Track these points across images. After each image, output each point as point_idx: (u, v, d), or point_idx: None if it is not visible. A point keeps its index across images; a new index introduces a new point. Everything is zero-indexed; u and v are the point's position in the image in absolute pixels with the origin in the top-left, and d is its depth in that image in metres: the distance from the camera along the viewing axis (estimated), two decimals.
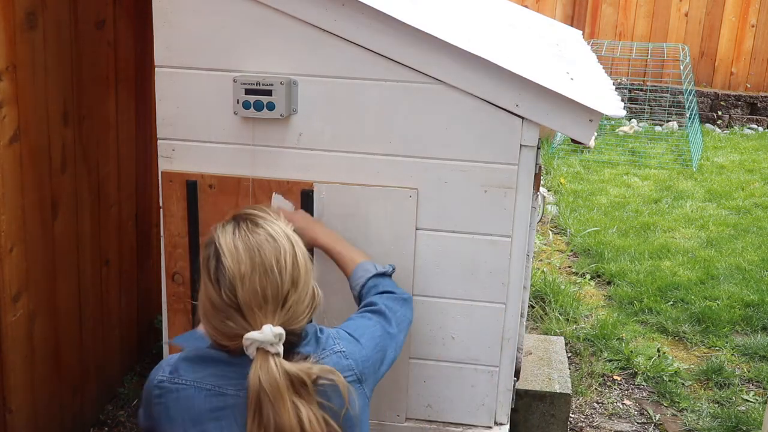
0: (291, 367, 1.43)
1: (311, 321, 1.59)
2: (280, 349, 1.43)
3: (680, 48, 8.01)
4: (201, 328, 1.56)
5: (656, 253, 4.70)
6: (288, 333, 1.45)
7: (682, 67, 7.76)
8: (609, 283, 4.34)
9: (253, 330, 1.43)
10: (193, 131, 2.17)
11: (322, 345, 1.57)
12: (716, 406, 3.16)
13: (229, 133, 2.15)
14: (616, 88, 2.84)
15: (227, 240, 1.48)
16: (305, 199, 2.14)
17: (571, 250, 4.82)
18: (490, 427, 2.25)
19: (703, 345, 3.67)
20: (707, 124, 8.46)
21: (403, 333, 1.81)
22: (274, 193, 2.13)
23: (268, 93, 2.06)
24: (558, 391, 2.76)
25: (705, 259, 4.60)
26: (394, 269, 1.95)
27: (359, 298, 1.89)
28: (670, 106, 8.38)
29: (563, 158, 7.06)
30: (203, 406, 1.46)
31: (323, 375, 1.47)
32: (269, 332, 1.42)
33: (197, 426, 1.46)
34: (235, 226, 1.51)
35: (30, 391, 2.45)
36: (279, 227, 1.52)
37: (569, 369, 3.04)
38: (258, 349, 1.42)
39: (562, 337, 3.33)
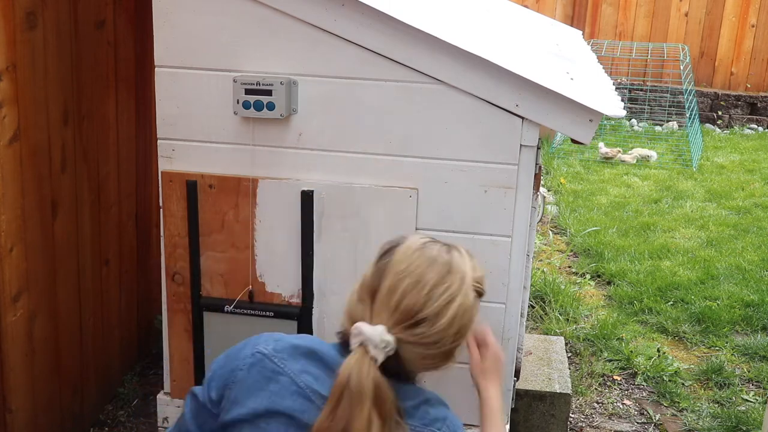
0: (382, 380, 1.34)
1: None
2: (381, 357, 1.35)
3: (680, 48, 8.01)
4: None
5: (656, 253, 4.70)
6: (396, 357, 1.37)
7: (682, 67, 7.77)
8: (609, 283, 4.34)
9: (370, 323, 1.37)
10: (193, 131, 2.17)
11: (424, 418, 1.43)
12: (716, 406, 3.16)
13: (229, 133, 2.15)
14: (616, 88, 2.84)
15: (414, 240, 1.45)
16: (305, 199, 2.14)
17: (571, 250, 4.82)
18: None
19: (703, 345, 3.67)
20: (707, 124, 8.46)
21: None
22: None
23: (268, 93, 2.06)
24: (558, 391, 2.76)
25: (705, 259, 4.60)
26: None
27: None
28: (670, 106, 8.38)
29: (563, 158, 7.06)
30: (285, 401, 1.38)
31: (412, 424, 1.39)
32: (379, 332, 1.35)
33: (266, 418, 1.38)
34: (432, 240, 1.47)
35: (30, 391, 2.45)
36: (466, 268, 1.44)
37: (569, 369, 3.04)
38: (360, 344, 1.35)
39: (562, 337, 3.33)
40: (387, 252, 1.45)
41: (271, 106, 2.06)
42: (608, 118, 7.78)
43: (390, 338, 1.36)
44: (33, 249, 2.40)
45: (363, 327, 1.36)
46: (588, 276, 4.41)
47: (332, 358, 1.42)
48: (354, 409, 1.31)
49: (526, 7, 4.87)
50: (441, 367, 1.47)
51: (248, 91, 2.07)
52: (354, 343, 1.36)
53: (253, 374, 1.41)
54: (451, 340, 1.42)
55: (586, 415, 3.12)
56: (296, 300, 2.23)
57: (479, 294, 1.48)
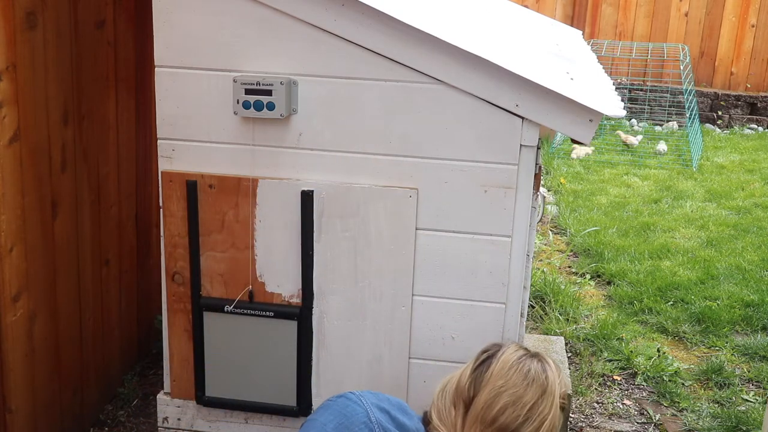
0: None
1: None
2: None
3: (680, 48, 8.01)
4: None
5: (656, 253, 4.70)
6: None
7: (682, 67, 7.76)
8: (609, 283, 4.34)
9: None
10: (193, 131, 2.17)
11: None
12: (716, 406, 3.16)
13: (229, 133, 2.15)
14: (616, 88, 2.84)
15: (509, 354, 1.48)
16: (305, 199, 2.14)
17: (571, 250, 4.82)
18: None
19: (703, 345, 3.67)
20: (707, 124, 8.46)
21: None
22: None
23: (268, 93, 2.06)
24: None
25: (705, 259, 4.60)
26: None
27: None
28: (670, 106, 8.38)
29: (563, 158, 7.06)
30: None
31: None
32: None
33: None
34: (532, 356, 1.49)
35: (30, 391, 2.45)
36: (556, 386, 1.48)
37: (569, 369, 3.04)
38: None
39: (562, 337, 3.33)
40: (483, 362, 1.49)
41: (271, 106, 2.06)
42: (608, 118, 7.78)
43: None
44: (33, 249, 2.40)
45: None
46: (588, 276, 4.41)
47: None
48: None
49: (526, 7, 4.87)
50: None
51: (248, 91, 2.07)
52: None
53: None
54: None
55: (586, 415, 3.12)
56: (296, 300, 2.23)
57: (563, 409, 1.53)
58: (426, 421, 1.50)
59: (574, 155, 7.05)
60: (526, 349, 1.54)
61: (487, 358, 1.50)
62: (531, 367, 1.48)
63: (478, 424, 1.43)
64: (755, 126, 8.51)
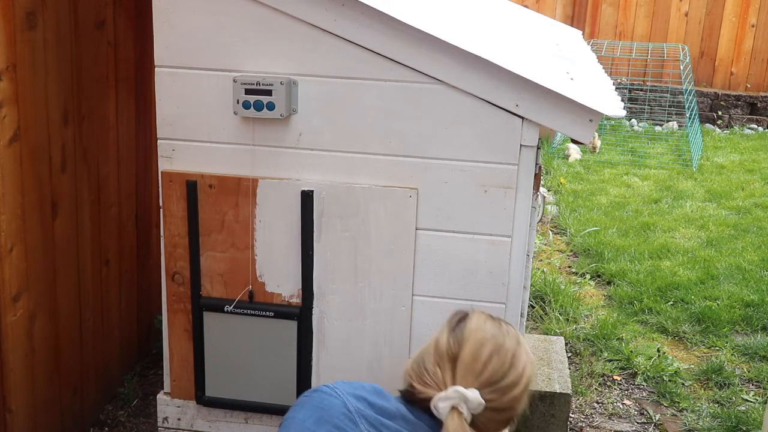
0: None
1: None
2: (469, 419, 1.42)
3: (680, 48, 8.01)
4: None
5: (656, 253, 4.70)
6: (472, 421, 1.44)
7: (682, 67, 7.76)
8: (609, 283, 4.34)
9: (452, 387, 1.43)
10: (193, 131, 2.17)
11: None
12: (716, 406, 3.16)
13: (229, 133, 2.15)
14: (616, 88, 2.84)
15: (481, 316, 1.53)
16: (305, 199, 2.14)
17: (571, 250, 4.82)
18: None
19: (703, 345, 3.67)
20: (707, 124, 8.46)
21: None
22: None
23: (268, 93, 2.06)
24: (558, 391, 2.76)
25: (705, 259, 4.60)
26: None
27: None
28: (670, 106, 8.38)
29: (563, 158, 7.06)
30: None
31: None
32: (478, 397, 1.42)
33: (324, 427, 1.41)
34: (494, 318, 1.55)
35: (30, 391, 2.45)
36: (527, 346, 1.54)
37: (569, 369, 3.04)
38: (453, 408, 1.41)
39: (562, 337, 3.32)
40: (459, 322, 1.52)
41: (271, 106, 2.06)
42: (608, 118, 7.78)
43: (482, 401, 1.42)
44: (33, 249, 2.40)
45: (461, 390, 1.41)
46: (588, 276, 4.41)
47: (400, 408, 1.47)
48: None
49: (526, 7, 4.87)
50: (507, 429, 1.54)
51: (248, 91, 2.07)
52: (444, 406, 1.41)
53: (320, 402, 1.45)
54: (517, 407, 1.50)
55: (586, 415, 3.12)
56: (296, 300, 2.23)
57: None
58: (407, 395, 1.49)
59: (571, 159, 7.04)
60: (491, 316, 1.58)
61: (461, 319, 1.53)
62: (500, 322, 1.54)
63: (470, 375, 1.44)
64: (755, 126, 8.51)
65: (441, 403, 1.42)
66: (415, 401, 1.47)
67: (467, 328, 1.49)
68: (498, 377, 1.45)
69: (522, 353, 1.50)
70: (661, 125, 8.31)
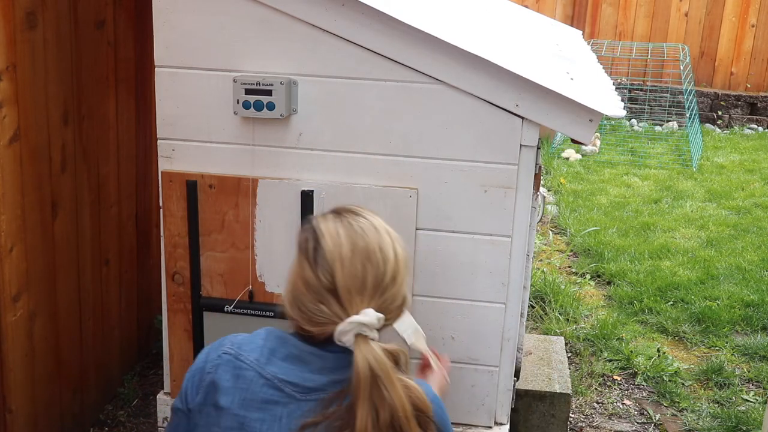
0: (389, 345, 1.38)
1: None
2: (376, 336, 1.37)
3: (680, 48, 8.01)
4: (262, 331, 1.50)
5: (656, 253, 4.70)
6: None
7: (682, 67, 7.76)
8: (609, 283, 4.34)
9: (348, 316, 1.37)
10: (193, 131, 2.17)
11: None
12: (716, 406, 3.16)
13: (229, 133, 2.15)
14: (616, 88, 2.84)
15: (328, 225, 1.43)
16: (305, 199, 2.14)
17: (571, 250, 4.82)
18: (490, 427, 2.25)
19: (703, 345, 3.67)
20: (707, 124, 8.46)
21: None
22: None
23: (268, 93, 2.06)
24: (558, 391, 2.76)
25: (705, 259, 4.60)
26: None
27: None
28: (670, 106, 8.38)
29: (563, 158, 7.06)
30: (258, 393, 1.39)
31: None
32: (373, 316, 1.36)
33: (244, 409, 1.39)
34: (335, 215, 1.45)
35: (30, 391, 2.45)
36: (381, 222, 1.46)
37: (569, 369, 3.04)
38: (357, 335, 1.36)
39: (562, 337, 3.32)
40: (315, 249, 1.42)
41: (271, 106, 2.06)
42: (608, 118, 7.78)
43: (380, 314, 1.38)
44: (33, 249, 2.40)
45: (357, 319, 1.36)
46: (588, 276, 4.41)
47: (298, 346, 1.42)
48: (390, 387, 1.33)
49: (526, 7, 4.87)
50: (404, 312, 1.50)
51: (248, 91, 2.07)
52: (348, 338, 1.36)
53: (222, 374, 1.44)
54: (404, 287, 1.45)
55: (586, 415, 3.12)
56: None
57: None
58: (308, 338, 1.42)
59: (571, 158, 7.05)
60: (331, 213, 1.48)
61: (314, 245, 1.42)
62: (350, 221, 1.44)
63: (356, 298, 1.38)
64: (755, 126, 8.52)
65: (343, 337, 1.36)
66: (318, 341, 1.41)
67: (327, 251, 1.39)
68: (379, 280, 1.39)
69: (384, 239, 1.43)
70: (661, 125, 8.31)
